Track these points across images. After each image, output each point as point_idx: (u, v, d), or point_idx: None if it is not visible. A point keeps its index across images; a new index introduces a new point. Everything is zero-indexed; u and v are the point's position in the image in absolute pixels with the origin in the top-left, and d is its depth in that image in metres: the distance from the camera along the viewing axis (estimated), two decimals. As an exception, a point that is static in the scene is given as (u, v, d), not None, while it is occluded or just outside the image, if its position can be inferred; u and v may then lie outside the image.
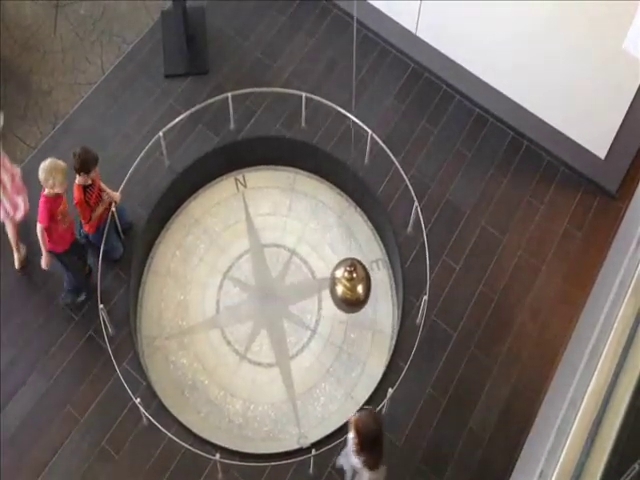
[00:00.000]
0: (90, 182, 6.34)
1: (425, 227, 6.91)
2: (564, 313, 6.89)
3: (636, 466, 3.40)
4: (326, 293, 7.05)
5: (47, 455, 6.30)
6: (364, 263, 6.85)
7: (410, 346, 6.45)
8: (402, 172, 7.04)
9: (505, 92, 7.44)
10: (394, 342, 6.79)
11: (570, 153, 7.40)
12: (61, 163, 5.98)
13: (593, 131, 7.10)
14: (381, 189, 7.37)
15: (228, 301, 7.04)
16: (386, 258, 7.24)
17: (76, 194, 6.29)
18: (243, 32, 8.13)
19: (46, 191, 6.03)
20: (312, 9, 8.24)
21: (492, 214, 7.32)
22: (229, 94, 7.25)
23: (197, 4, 8.13)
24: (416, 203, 6.88)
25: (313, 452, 6.09)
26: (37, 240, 6.24)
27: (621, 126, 6.76)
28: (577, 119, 7.13)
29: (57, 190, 5.99)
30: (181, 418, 6.46)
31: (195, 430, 6.40)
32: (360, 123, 7.10)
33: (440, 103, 7.81)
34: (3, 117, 6.59)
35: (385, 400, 6.25)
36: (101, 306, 6.37)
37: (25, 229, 6.72)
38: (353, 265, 4.70)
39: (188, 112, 7.28)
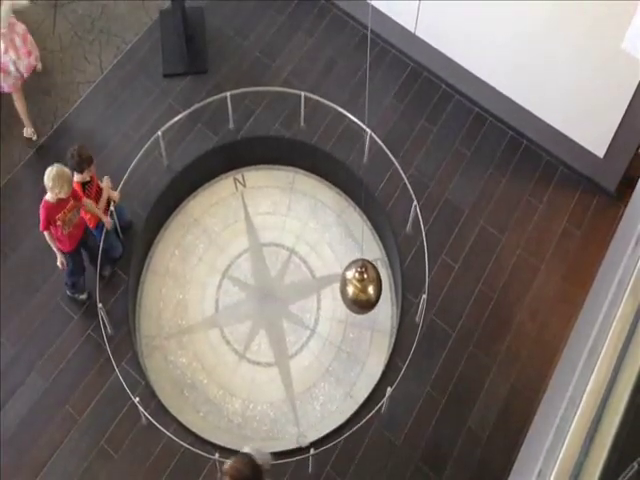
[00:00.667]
0: (89, 179, 6.38)
1: (424, 226, 6.91)
2: (563, 312, 6.90)
3: (635, 465, 3.39)
4: (325, 292, 7.07)
5: (46, 454, 6.30)
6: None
7: (409, 345, 6.45)
8: (401, 171, 7.04)
9: (504, 91, 7.44)
10: (393, 341, 6.79)
11: (569, 152, 7.40)
12: (67, 170, 6.00)
13: (592, 130, 7.10)
14: (380, 188, 7.38)
15: (227, 300, 7.04)
16: (385, 257, 7.24)
17: (75, 191, 6.31)
18: (242, 31, 8.13)
19: (48, 195, 6.04)
20: (311, 9, 8.24)
21: (491, 213, 7.32)
22: (228, 93, 7.25)
23: (196, 4, 8.13)
24: (415, 202, 6.88)
25: (312, 451, 6.09)
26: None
27: (620, 125, 6.76)
28: (576, 118, 7.13)
29: (61, 196, 6.01)
30: (180, 417, 6.46)
31: (194, 429, 6.40)
32: (359, 122, 7.10)
33: (439, 102, 7.82)
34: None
35: (384, 399, 6.25)
36: (100, 305, 6.37)
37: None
38: (364, 266, 4.68)
39: (187, 111, 7.28)
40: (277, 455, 6.27)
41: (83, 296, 6.81)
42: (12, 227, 7.08)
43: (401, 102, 7.80)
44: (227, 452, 6.22)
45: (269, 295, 7.09)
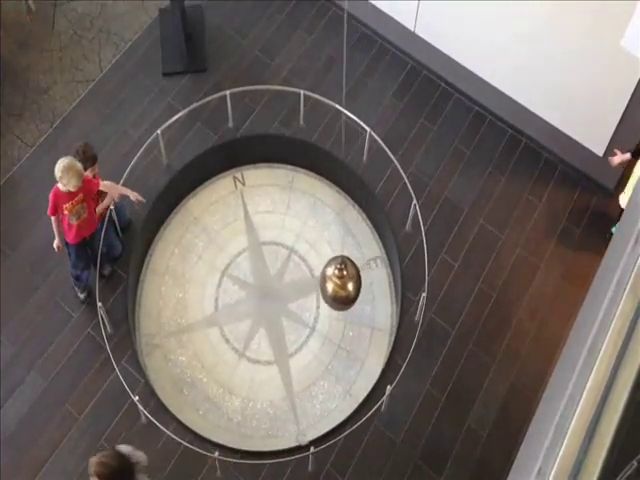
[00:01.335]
0: (92, 177, 6.37)
1: (424, 225, 6.91)
2: (562, 310, 6.90)
3: (634, 462, 3.39)
4: (325, 291, 7.07)
5: (46, 453, 6.30)
6: (363, 261, 6.87)
7: (409, 343, 6.45)
8: (400, 170, 7.04)
9: (503, 90, 7.44)
10: (393, 339, 6.79)
11: (568, 151, 7.40)
12: (78, 164, 5.97)
13: (591, 129, 7.10)
14: (380, 187, 7.38)
15: (227, 299, 7.04)
16: (385, 256, 7.24)
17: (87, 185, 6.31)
18: (241, 30, 8.13)
19: (60, 185, 6.04)
20: (310, 7, 8.24)
21: (491, 211, 7.32)
22: (227, 92, 7.25)
23: (195, 2, 8.13)
24: (415, 201, 6.88)
25: (311, 450, 6.09)
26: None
27: (619, 123, 6.76)
28: (576, 117, 7.13)
29: (69, 188, 5.99)
30: (180, 416, 6.46)
31: (194, 428, 6.40)
32: (359, 121, 7.09)
33: (438, 101, 7.82)
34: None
35: (384, 397, 6.25)
36: (100, 304, 6.37)
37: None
38: (344, 263, 4.67)
39: (186, 110, 7.28)
40: (277, 453, 6.29)
41: (82, 295, 6.80)
42: (12, 226, 7.08)
43: (400, 101, 7.80)
44: (227, 450, 6.24)
45: (269, 294, 7.09)
